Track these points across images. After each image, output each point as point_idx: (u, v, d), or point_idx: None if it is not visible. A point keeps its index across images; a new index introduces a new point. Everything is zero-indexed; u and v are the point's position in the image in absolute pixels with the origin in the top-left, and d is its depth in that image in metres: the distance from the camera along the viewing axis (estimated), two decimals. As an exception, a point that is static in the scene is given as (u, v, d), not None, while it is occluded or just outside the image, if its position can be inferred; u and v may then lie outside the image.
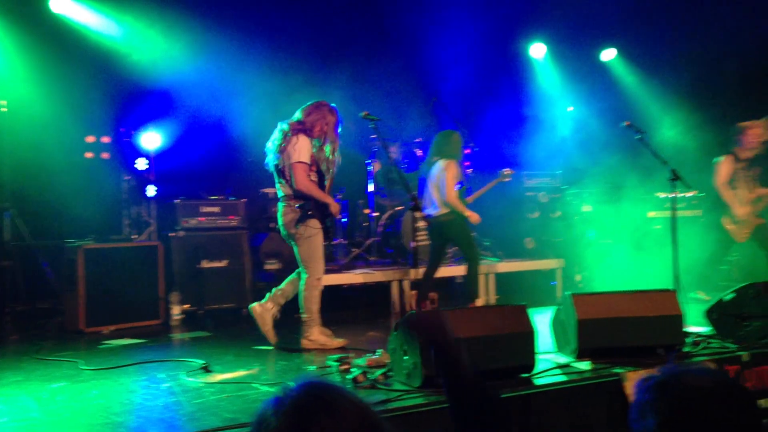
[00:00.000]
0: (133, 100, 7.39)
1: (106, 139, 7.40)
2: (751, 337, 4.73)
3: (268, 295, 5.39)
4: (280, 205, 5.34)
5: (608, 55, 10.12)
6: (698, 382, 1.39)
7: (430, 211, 6.58)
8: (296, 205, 5.23)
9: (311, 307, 5.26)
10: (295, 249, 5.31)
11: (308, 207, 5.21)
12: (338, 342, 5.29)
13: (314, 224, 5.23)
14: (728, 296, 4.98)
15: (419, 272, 6.51)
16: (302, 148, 5.20)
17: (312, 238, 5.23)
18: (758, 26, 9.76)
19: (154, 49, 7.42)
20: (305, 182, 5.18)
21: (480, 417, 1.85)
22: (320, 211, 5.27)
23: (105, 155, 7.38)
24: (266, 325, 5.30)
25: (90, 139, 7.37)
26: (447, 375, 1.98)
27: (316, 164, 5.34)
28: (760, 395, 4.42)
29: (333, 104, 5.47)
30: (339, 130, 5.45)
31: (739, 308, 4.85)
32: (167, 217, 7.09)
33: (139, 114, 7.35)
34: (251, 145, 7.92)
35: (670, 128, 9.30)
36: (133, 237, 7.10)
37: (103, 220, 7.16)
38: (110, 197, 7.31)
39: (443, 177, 6.46)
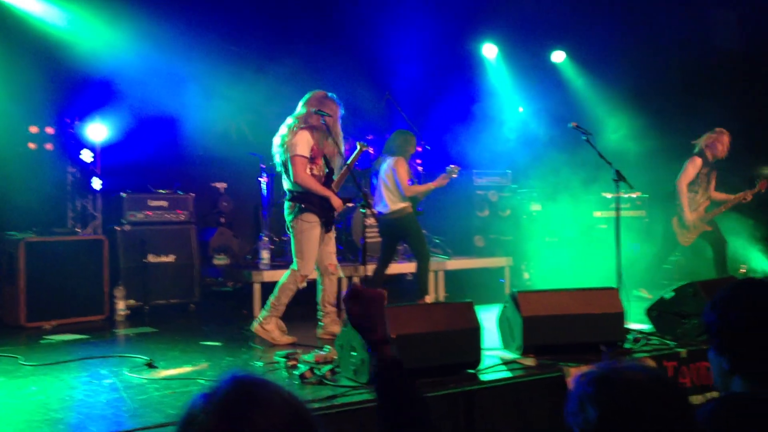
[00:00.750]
0: (78, 91, 7.21)
1: (50, 130, 7.20)
2: (689, 335, 4.87)
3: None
4: (284, 201, 5.38)
5: (558, 57, 10.28)
6: (636, 376, 1.45)
7: (381, 208, 6.61)
8: (288, 199, 5.28)
9: (282, 298, 5.25)
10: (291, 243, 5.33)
11: (302, 200, 5.21)
12: (287, 339, 5.27)
13: (309, 218, 5.23)
14: (668, 295, 5.11)
15: (369, 269, 6.52)
16: (300, 142, 5.19)
17: (305, 233, 5.22)
18: (702, 37, 10.07)
19: (100, 39, 7.24)
20: (303, 176, 5.18)
21: (407, 418, 1.87)
22: (319, 205, 5.25)
23: (48, 146, 7.18)
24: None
25: (33, 129, 7.17)
26: (379, 368, 1.97)
27: (323, 157, 5.33)
28: (699, 390, 4.56)
29: (332, 94, 5.47)
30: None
31: (679, 306, 4.99)
32: (113, 211, 6.95)
33: (85, 105, 7.17)
34: (201, 138, 7.84)
35: (615, 130, 9.51)
36: (77, 230, 6.94)
37: (47, 212, 6.98)
38: (54, 190, 7.13)
39: (394, 174, 6.49)
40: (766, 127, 9.34)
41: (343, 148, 5.51)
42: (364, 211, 6.18)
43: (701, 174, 7.27)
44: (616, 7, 9.36)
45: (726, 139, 7.22)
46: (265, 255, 6.93)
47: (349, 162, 5.55)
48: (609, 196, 8.32)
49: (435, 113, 9.26)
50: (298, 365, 4.22)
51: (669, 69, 9.52)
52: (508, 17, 9.37)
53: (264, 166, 7.58)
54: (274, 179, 7.76)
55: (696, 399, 4.44)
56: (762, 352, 1.73)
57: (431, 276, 7.47)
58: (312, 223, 5.24)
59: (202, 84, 7.56)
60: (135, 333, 5.92)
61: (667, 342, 4.83)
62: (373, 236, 7.42)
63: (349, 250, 7.60)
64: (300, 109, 5.37)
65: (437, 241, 8.44)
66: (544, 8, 9.38)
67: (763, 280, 1.94)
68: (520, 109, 10.15)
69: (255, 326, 5.24)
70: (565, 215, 8.72)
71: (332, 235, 5.51)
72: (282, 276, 5.33)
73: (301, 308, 7.10)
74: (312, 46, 8.39)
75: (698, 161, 7.24)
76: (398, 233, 6.70)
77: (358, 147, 5.55)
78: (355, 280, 7.05)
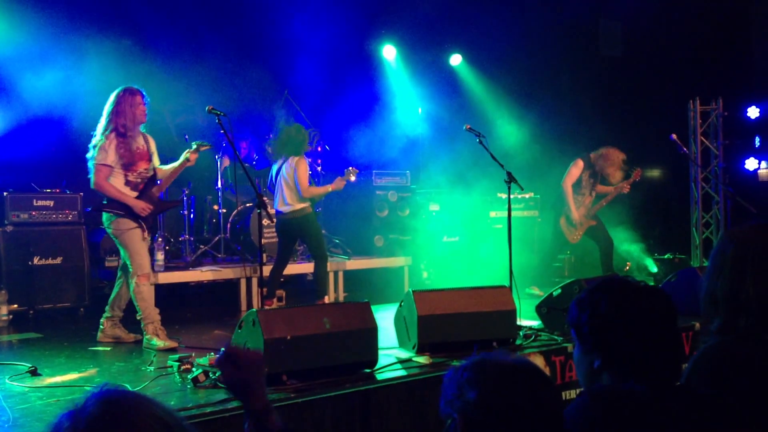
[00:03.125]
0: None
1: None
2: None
3: None
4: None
5: (455, 60, 10.51)
6: (505, 360, 1.62)
7: (282, 208, 6.56)
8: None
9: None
10: None
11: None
12: (131, 336, 5.27)
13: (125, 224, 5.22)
14: (556, 292, 5.33)
15: (267, 270, 6.46)
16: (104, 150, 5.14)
17: (125, 234, 5.19)
18: (591, 45, 10.57)
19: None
20: (101, 183, 5.13)
21: None
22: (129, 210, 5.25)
23: None
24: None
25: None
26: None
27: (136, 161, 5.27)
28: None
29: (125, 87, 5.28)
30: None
31: (565, 303, 5.19)
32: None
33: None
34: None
35: (510, 133, 9.83)
36: (-46, 232, 6.53)
37: None
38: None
39: (295, 174, 6.46)
40: (645, 125, 9.90)
41: (152, 145, 5.41)
42: (261, 211, 6.10)
43: (585, 176, 7.62)
44: (510, 14, 9.66)
45: (615, 158, 7.52)
46: (159, 256, 6.74)
47: (175, 164, 5.44)
48: (503, 196, 8.59)
49: (334, 113, 9.28)
50: (192, 369, 4.13)
51: (559, 74, 9.91)
52: (407, 20, 9.50)
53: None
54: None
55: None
56: (631, 348, 1.82)
57: (331, 276, 7.48)
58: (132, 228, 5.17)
59: (92, 80, 7.26)
60: (18, 339, 5.63)
61: (555, 338, 5.03)
62: (271, 237, 7.36)
63: (248, 251, 7.52)
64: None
65: (337, 241, 8.47)
66: (441, 12, 9.57)
67: (622, 276, 2.05)
68: (419, 111, 10.31)
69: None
70: (463, 215, 8.93)
71: (147, 240, 5.37)
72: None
73: (193, 311, 6.99)
74: (208, 46, 8.22)
75: (580, 163, 7.59)
76: (296, 233, 6.68)
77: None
78: (254, 282, 6.96)
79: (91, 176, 5.14)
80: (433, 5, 9.38)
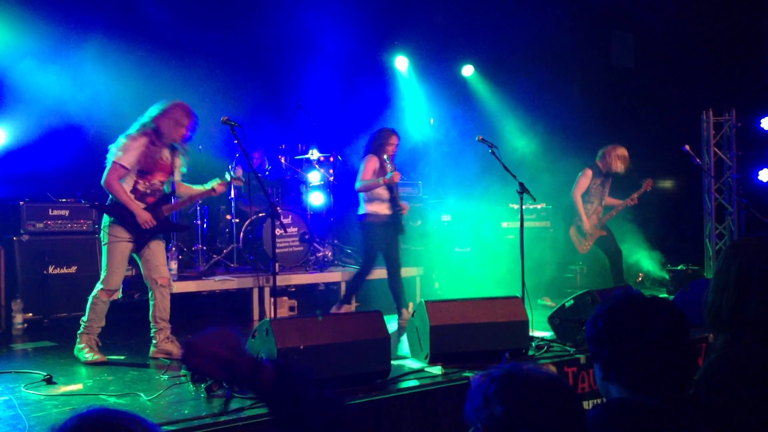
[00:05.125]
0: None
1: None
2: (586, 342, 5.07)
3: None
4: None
5: (467, 71, 10.54)
6: (534, 374, 1.61)
7: (359, 211, 6.50)
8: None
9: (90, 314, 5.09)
10: None
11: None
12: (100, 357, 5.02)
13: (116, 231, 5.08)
14: (568, 303, 5.32)
15: (279, 279, 6.47)
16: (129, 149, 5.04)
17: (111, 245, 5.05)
18: (602, 56, 10.58)
19: (2, 42, 6.95)
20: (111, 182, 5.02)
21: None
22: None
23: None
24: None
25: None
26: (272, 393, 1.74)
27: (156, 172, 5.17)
28: (597, 395, 4.76)
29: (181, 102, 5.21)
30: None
31: (577, 314, 5.19)
32: (11, 221, 6.65)
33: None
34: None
35: (521, 143, 9.84)
36: (-29, 241, 6.61)
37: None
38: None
39: (359, 170, 6.36)
40: (657, 136, 9.88)
41: (177, 162, 5.28)
42: (274, 221, 6.12)
43: (594, 185, 7.61)
44: (521, 25, 9.69)
45: (617, 152, 7.55)
46: (172, 266, 6.78)
47: (200, 189, 5.36)
48: (515, 207, 8.58)
49: (347, 122, 9.32)
50: (206, 378, 4.15)
51: (571, 85, 9.92)
52: (420, 31, 9.55)
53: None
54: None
55: (594, 403, 4.63)
56: (630, 361, 1.83)
57: (343, 286, 7.51)
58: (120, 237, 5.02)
59: (107, 90, 7.34)
60: (33, 347, 5.68)
61: (568, 348, 5.03)
62: (284, 246, 7.40)
63: (261, 261, 7.55)
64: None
65: (349, 251, 8.48)
66: (453, 23, 9.62)
67: (633, 291, 2.05)
68: (431, 121, 10.34)
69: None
70: (475, 225, 8.94)
71: (160, 245, 5.22)
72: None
73: (206, 321, 7.02)
74: (224, 59, 8.30)
75: (588, 172, 7.59)
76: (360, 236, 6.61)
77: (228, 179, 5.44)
78: (266, 291, 6.98)
79: (105, 173, 4.98)
80: (445, 16, 9.43)
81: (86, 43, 7.17)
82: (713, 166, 10.01)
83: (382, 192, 6.32)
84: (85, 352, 4.95)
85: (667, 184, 10.98)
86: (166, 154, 5.16)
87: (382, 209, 6.36)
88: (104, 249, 5.04)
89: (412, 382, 4.26)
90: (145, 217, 5.00)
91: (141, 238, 5.07)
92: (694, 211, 10.35)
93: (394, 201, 6.36)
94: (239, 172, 7.96)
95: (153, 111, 5.10)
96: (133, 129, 5.07)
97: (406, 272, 8.34)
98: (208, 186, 5.33)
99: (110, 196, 5.06)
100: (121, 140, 5.02)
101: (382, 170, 6.30)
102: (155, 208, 5.13)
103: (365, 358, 4.17)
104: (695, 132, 9.99)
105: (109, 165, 4.97)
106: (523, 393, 1.56)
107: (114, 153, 4.97)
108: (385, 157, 6.28)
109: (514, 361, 1.68)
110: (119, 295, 5.10)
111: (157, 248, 5.18)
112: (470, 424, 1.63)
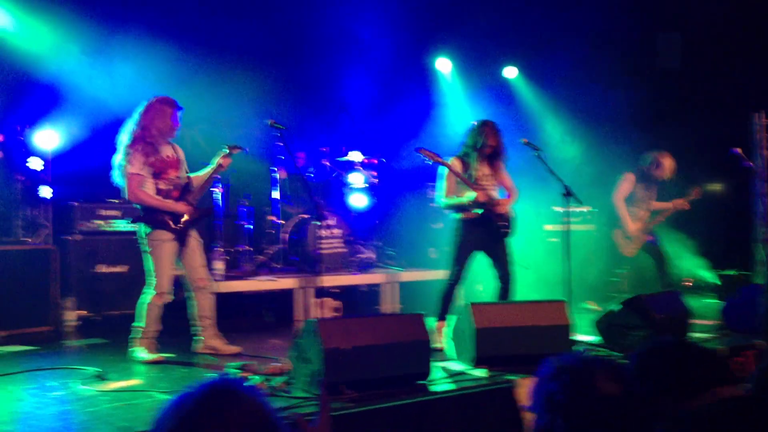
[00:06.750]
0: (28, 98, 7.07)
1: (-2, 137, 7.07)
2: (634, 347, 5.00)
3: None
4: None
5: (510, 72, 10.48)
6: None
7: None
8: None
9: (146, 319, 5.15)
10: None
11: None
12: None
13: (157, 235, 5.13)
14: (616, 307, 5.27)
15: (323, 280, 6.53)
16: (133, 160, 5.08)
17: (155, 250, 5.10)
18: (649, 59, 10.43)
19: (52, 44, 7.13)
20: (136, 192, 5.07)
21: None
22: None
23: (-2, 154, 7.04)
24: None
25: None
26: None
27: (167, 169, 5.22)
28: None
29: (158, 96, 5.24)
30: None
31: (625, 319, 5.14)
32: (64, 220, 6.85)
33: (35, 111, 7.04)
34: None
35: (566, 145, 9.74)
36: (26, 240, 6.81)
37: (-6, 222, 6.83)
38: (2, 199, 6.97)
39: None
40: (705, 139, 9.69)
41: (181, 154, 5.34)
42: (318, 223, 6.17)
43: (639, 189, 7.51)
44: (566, 26, 9.60)
45: (664, 161, 7.44)
46: (219, 266, 6.89)
47: (207, 169, 5.34)
48: (559, 210, 8.50)
49: (389, 125, 9.34)
50: (250, 377, 4.22)
51: (616, 87, 9.80)
52: (463, 33, 9.52)
53: (219, 177, 7.54)
54: (230, 190, 7.74)
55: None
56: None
57: (387, 288, 7.55)
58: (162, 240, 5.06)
59: (153, 88, 7.47)
60: (86, 344, 5.84)
61: (614, 354, 4.98)
62: (328, 247, 7.45)
63: (305, 262, 7.62)
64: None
65: (391, 252, 8.51)
66: (496, 25, 9.56)
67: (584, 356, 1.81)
68: (474, 124, 10.28)
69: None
70: (517, 228, 8.86)
71: (197, 246, 5.30)
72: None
73: (250, 320, 7.12)
74: (267, 62, 8.37)
75: (631, 177, 7.49)
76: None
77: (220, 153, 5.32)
78: (309, 292, 7.04)
79: (124, 187, 5.03)
80: (488, 18, 9.38)
81: (132, 44, 7.28)
82: (765, 168, 9.77)
83: None
84: (143, 353, 5.04)
85: (716, 187, 10.75)
86: (168, 150, 5.22)
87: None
88: (147, 257, 5.10)
89: (453, 385, 4.27)
90: (183, 209, 5.11)
91: (182, 233, 5.14)
92: (744, 215, 10.11)
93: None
94: (283, 173, 8.05)
95: (136, 113, 5.15)
96: (127, 136, 5.11)
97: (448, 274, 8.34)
98: (213, 164, 5.32)
99: (138, 207, 5.12)
100: (122, 150, 5.07)
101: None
102: (182, 199, 5.21)
103: (406, 359, 4.20)
104: (745, 134, 9.77)
105: (124, 179, 5.03)
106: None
107: (123, 166, 5.03)
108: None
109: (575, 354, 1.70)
110: (171, 297, 5.20)
111: (195, 248, 5.28)
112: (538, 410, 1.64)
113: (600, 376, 1.61)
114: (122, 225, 6.89)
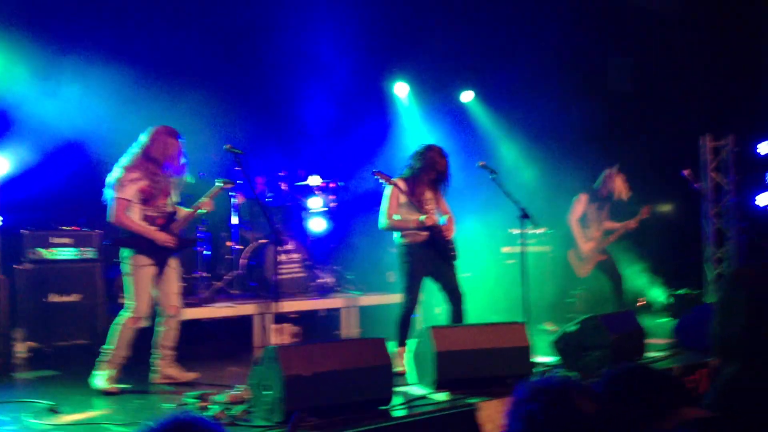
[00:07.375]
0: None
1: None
2: (591, 366, 5.09)
3: None
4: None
5: (467, 96, 10.63)
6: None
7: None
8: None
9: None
10: None
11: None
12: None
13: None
14: (572, 328, 5.33)
15: (282, 305, 6.46)
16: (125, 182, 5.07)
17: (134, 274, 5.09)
18: (600, 81, 10.69)
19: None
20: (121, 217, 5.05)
21: None
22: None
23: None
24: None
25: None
26: None
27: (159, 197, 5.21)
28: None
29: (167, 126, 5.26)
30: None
31: (581, 339, 5.21)
32: (13, 248, 6.65)
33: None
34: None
35: (522, 168, 9.89)
36: (-27, 269, 6.60)
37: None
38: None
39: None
40: (655, 161, 9.94)
41: (173, 183, 5.34)
42: (277, 247, 6.13)
43: (591, 209, 7.66)
44: (520, 51, 9.79)
45: (616, 181, 7.60)
46: (175, 293, 6.78)
47: (197, 203, 5.35)
48: (516, 231, 8.60)
49: (346, 148, 9.37)
50: (210, 406, 4.15)
51: (569, 110, 10.01)
52: (419, 56, 9.62)
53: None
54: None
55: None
56: None
57: (344, 313, 7.51)
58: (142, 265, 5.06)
59: (106, 114, 7.36)
60: (36, 376, 5.67)
61: (571, 374, 5.03)
62: (286, 273, 7.40)
63: (262, 287, 7.55)
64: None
65: (350, 276, 8.49)
66: (453, 50, 9.71)
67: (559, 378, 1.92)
68: (421, 146, 10.36)
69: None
70: (475, 251, 8.93)
71: (174, 274, 5.27)
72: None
73: (207, 347, 7.01)
74: (224, 85, 8.33)
75: (583, 198, 7.64)
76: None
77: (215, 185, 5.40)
78: (267, 318, 6.98)
79: (109, 209, 5.01)
80: (445, 43, 9.52)
81: (80, 67, 7.18)
82: (712, 190, 10.06)
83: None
84: (100, 378, 4.93)
85: (666, 208, 11.02)
86: (162, 179, 5.21)
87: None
88: (126, 279, 5.08)
89: (415, 410, 4.25)
90: (163, 238, 5.09)
91: (161, 259, 5.14)
92: (694, 236, 10.38)
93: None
94: (241, 198, 7.99)
95: (141, 139, 5.16)
96: (127, 160, 5.11)
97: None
98: (203, 199, 5.34)
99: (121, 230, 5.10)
100: (118, 172, 5.04)
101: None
102: (166, 228, 5.19)
103: (368, 385, 4.17)
104: (693, 157, 10.06)
105: (112, 202, 4.99)
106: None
107: (114, 187, 5.00)
108: None
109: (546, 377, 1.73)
110: (146, 322, 5.12)
111: (172, 275, 5.25)
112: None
113: (576, 395, 1.65)
114: (74, 253, 6.73)
